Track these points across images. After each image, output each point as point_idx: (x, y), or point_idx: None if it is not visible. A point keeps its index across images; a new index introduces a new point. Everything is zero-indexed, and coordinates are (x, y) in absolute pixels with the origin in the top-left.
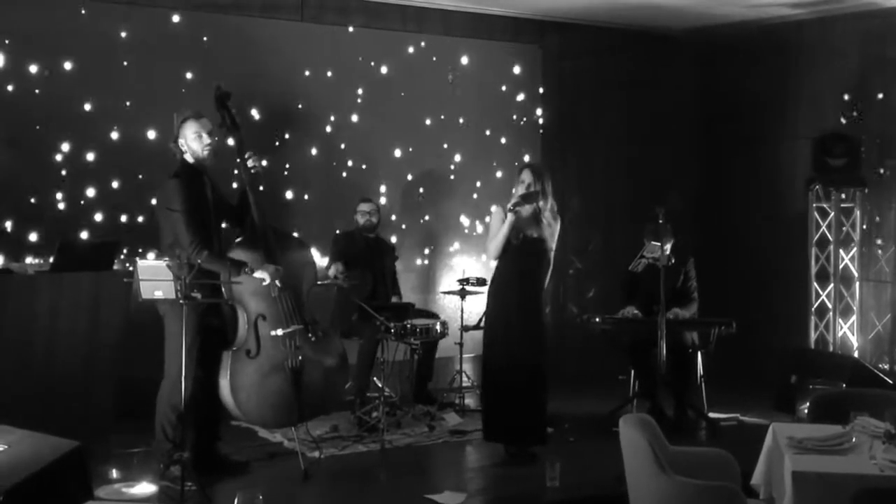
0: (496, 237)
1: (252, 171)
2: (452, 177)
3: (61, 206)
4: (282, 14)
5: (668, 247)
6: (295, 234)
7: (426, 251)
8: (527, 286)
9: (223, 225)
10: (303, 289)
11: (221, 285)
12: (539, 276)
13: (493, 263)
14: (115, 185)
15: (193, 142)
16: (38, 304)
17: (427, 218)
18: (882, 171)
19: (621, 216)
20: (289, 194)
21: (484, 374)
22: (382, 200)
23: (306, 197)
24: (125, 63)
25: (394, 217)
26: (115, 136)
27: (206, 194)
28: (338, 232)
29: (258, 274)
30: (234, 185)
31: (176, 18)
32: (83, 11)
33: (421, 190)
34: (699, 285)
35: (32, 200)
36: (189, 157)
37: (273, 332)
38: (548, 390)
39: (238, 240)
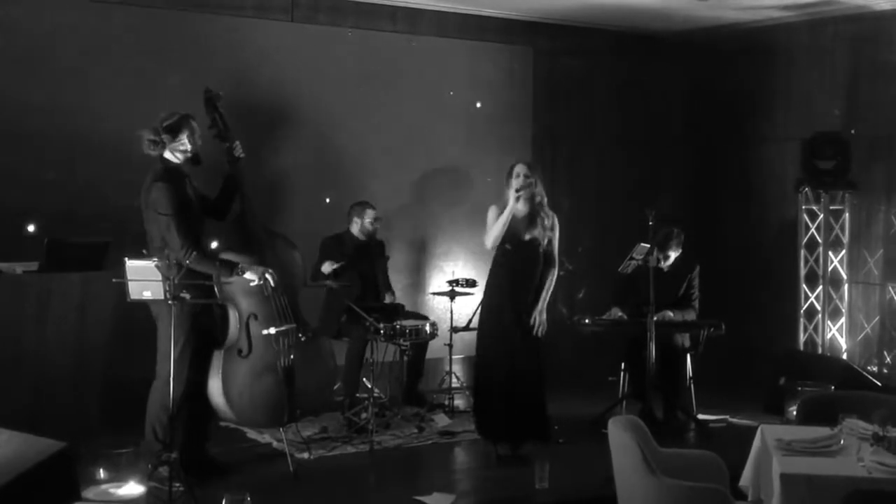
0: (496, 226)
1: (239, 157)
2: (444, 177)
3: (50, 205)
4: (272, 15)
5: (674, 256)
6: (284, 234)
7: (416, 252)
8: (521, 290)
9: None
10: (295, 287)
11: (214, 285)
12: (533, 278)
13: (488, 265)
14: (104, 184)
15: (188, 141)
16: (26, 304)
17: (418, 218)
18: (871, 173)
19: (612, 217)
20: (280, 195)
21: (476, 376)
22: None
23: (297, 198)
24: (114, 61)
25: (385, 217)
26: (103, 134)
27: (189, 196)
28: (325, 236)
29: (248, 275)
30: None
31: (167, 17)
32: None
33: (413, 189)
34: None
35: (21, 199)
36: (174, 158)
37: (265, 331)
38: (545, 387)
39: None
